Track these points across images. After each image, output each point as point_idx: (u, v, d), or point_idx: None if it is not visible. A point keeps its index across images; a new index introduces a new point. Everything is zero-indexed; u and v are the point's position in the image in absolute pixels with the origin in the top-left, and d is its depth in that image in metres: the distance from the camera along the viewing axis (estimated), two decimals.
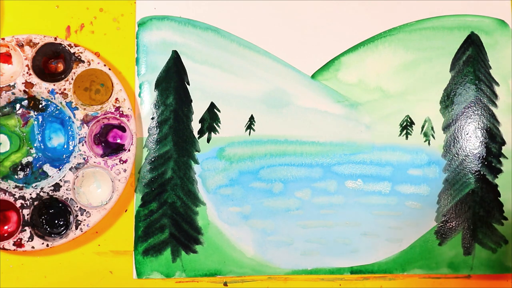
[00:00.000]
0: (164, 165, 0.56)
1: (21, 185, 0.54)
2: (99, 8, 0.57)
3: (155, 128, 0.56)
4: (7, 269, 0.54)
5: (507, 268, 0.57)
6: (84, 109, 0.54)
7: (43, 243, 0.52)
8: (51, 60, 0.55)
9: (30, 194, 0.52)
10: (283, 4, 0.58)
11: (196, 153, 0.56)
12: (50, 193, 0.53)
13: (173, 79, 0.57)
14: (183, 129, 0.56)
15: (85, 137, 0.53)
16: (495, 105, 0.58)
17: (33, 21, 0.56)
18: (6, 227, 0.53)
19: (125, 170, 0.53)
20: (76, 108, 0.53)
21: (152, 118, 0.56)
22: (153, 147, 0.56)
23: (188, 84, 0.57)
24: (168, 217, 0.56)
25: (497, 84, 0.58)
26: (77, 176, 0.53)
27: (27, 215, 0.52)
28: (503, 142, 0.58)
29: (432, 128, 0.58)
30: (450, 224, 0.57)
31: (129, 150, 0.54)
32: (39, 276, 0.55)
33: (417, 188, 0.57)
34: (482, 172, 0.58)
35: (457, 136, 0.58)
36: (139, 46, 0.57)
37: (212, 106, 0.57)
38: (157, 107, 0.56)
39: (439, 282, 0.57)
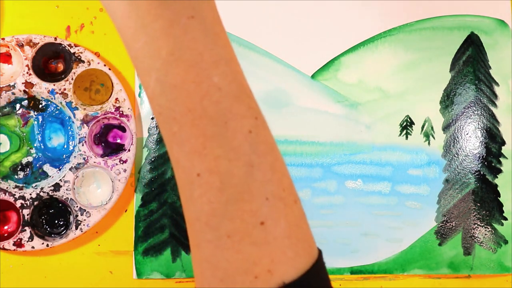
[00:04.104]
0: (164, 165, 0.56)
1: (21, 185, 0.54)
2: (99, 8, 0.57)
3: (155, 128, 0.56)
4: (7, 269, 0.54)
5: (507, 268, 0.57)
6: (84, 109, 0.53)
7: (43, 243, 0.52)
8: (51, 60, 0.55)
9: (30, 194, 0.52)
10: (283, 4, 0.58)
11: None
12: (50, 193, 0.53)
13: None
14: None
15: (85, 137, 0.53)
16: (495, 105, 0.58)
17: (33, 21, 0.56)
18: (6, 227, 0.53)
19: (125, 170, 0.53)
20: (76, 108, 0.53)
21: (152, 118, 0.56)
22: (153, 147, 0.56)
23: None
24: (168, 217, 0.56)
25: (497, 84, 0.58)
26: (77, 176, 0.53)
27: (27, 215, 0.52)
28: (503, 142, 0.58)
29: (432, 128, 0.58)
30: (450, 224, 0.57)
31: (129, 150, 0.54)
32: (39, 276, 0.55)
33: (417, 188, 0.57)
34: (482, 172, 0.58)
35: (457, 136, 0.58)
36: None
37: None
38: None
39: (439, 282, 0.57)
